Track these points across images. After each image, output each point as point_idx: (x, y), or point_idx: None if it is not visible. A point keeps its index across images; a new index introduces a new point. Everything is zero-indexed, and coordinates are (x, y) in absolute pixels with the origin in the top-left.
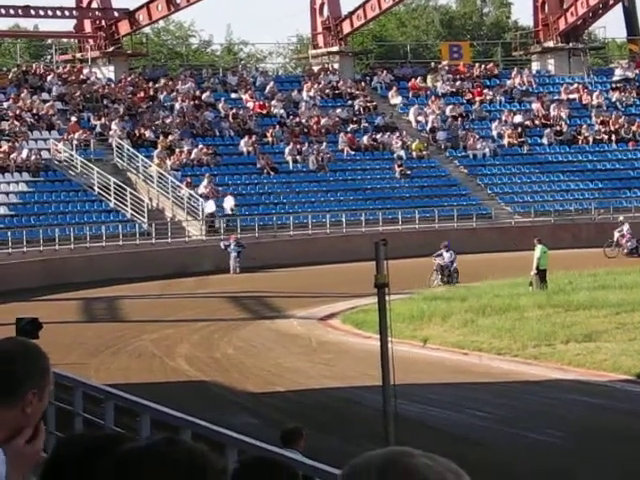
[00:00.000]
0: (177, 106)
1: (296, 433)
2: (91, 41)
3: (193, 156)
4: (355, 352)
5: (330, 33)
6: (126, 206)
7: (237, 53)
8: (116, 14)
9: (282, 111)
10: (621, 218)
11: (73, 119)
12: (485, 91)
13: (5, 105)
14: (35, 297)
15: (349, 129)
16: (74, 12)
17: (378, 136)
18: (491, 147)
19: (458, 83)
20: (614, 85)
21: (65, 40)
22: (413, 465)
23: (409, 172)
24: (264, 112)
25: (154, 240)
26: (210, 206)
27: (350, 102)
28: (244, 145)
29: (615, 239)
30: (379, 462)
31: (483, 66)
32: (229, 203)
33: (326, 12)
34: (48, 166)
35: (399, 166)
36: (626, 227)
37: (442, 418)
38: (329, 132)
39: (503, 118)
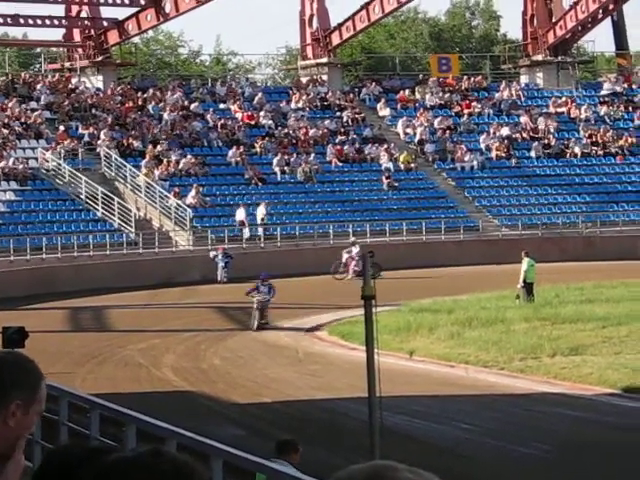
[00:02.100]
0: (165, 116)
1: (290, 445)
2: (80, 50)
3: (181, 166)
4: (341, 363)
5: (319, 44)
6: (114, 216)
7: (226, 64)
8: (105, 24)
9: (270, 122)
10: (352, 239)
11: (61, 128)
12: (473, 104)
13: None
14: (22, 306)
15: (337, 140)
16: (63, 21)
17: (366, 148)
18: (479, 160)
19: (447, 95)
20: (602, 99)
21: (54, 49)
22: (398, 479)
23: (397, 184)
24: (252, 123)
25: (141, 250)
26: (240, 214)
27: (338, 113)
28: (232, 155)
29: (344, 260)
30: (363, 476)
31: (472, 79)
32: (261, 211)
33: (315, 24)
34: (36, 175)
35: (387, 178)
36: (356, 249)
37: (428, 430)
38: (317, 143)
39: (491, 131)
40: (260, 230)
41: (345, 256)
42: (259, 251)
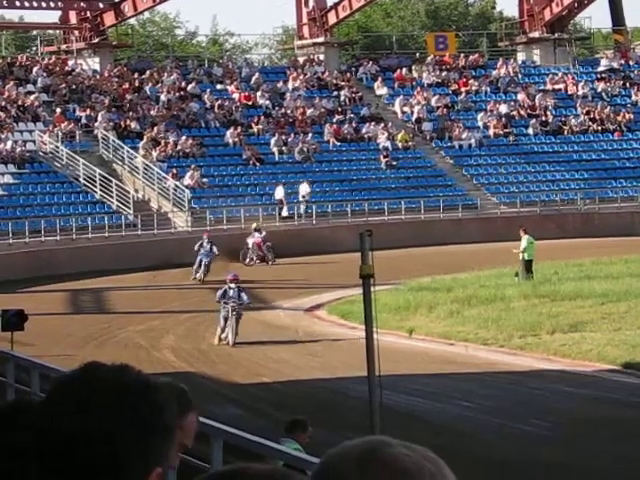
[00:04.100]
0: (163, 97)
1: (297, 424)
2: (76, 32)
3: (179, 147)
4: (341, 343)
5: (315, 24)
6: (112, 197)
7: (223, 44)
8: (101, 5)
9: (268, 102)
10: (254, 225)
11: (58, 111)
12: (471, 82)
13: None
14: (21, 289)
15: (335, 120)
16: (59, 3)
17: (364, 127)
18: (477, 137)
19: (444, 74)
20: (599, 75)
21: (50, 31)
22: (392, 454)
23: (395, 163)
24: (250, 103)
25: (140, 231)
26: (279, 192)
27: (336, 93)
28: (230, 136)
29: (250, 246)
30: (357, 452)
31: (469, 57)
32: (304, 189)
33: (311, 3)
34: (34, 158)
35: (385, 157)
36: (260, 235)
37: (428, 409)
38: (315, 123)
39: (489, 108)
40: (302, 208)
41: (250, 242)
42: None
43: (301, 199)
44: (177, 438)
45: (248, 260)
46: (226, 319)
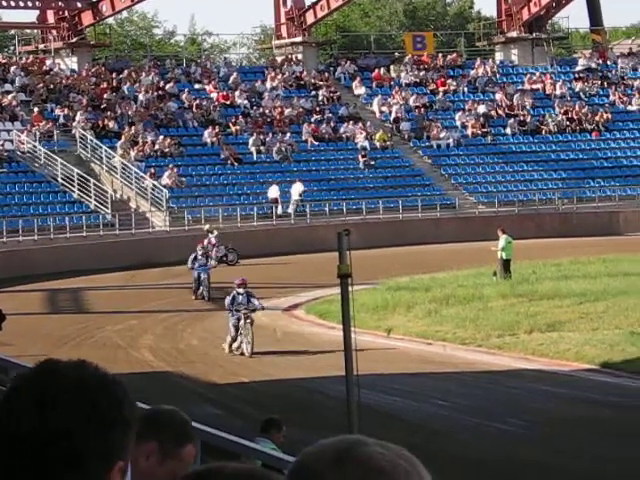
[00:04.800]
0: (140, 97)
1: (272, 423)
2: (54, 32)
3: (157, 147)
4: (319, 342)
5: (294, 23)
6: (90, 197)
7: (201, 44)
8: (79, 5)
9: (246, 102)
10: (207, 227)
11: (36, 110)
12: (449, 81)
13: None
14: None
15: (313, 119)
16: (37, 3)
17: (342, 126)
18: (455, 137)
19: (422, 73)
20: (577, 75)
21: (28, 31)
22: (367, 453)
23: (373, 162)
24: (228, 103)
25: (118, 231)
26: (273, 191)
27: (314, 92)
28: (208, 136)
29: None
30: (333, 450)
31: (447, 56)
32: (297, 189)
33: (289, 3)
34: (11, 157)
35: (363, 156)
36: (212, 235)
37: (406, 408)
38: (293, 122)
39: (467, 108)
40: (292, 208)
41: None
42: (235, 231)
43: (297, 198)
44: (172, 468)
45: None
46: (237, 328)
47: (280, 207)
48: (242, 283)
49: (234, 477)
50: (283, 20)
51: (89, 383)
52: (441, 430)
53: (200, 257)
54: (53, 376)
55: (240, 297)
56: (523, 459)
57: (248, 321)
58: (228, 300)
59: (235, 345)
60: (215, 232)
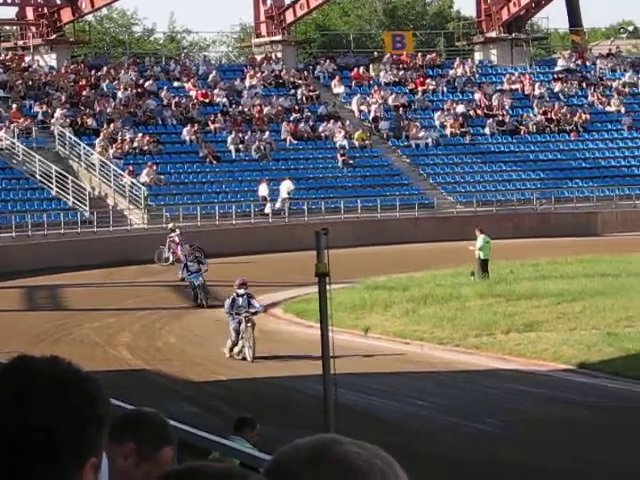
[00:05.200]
0: (119, 94)
1: (245, 422)
2: (33, 29)
3: (135, 144)
4: (297, 341)
5: (273, 22)
6: (68, 194)
7: (180, 41)
8: (59, 1)
9: (225, 100)
10: (170, 225)
11: (15, 107)
12: (428, 81)
13: None
14: None
15: (292, 118)
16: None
17: (321, 125)
18: (434, 137)
19: (401, 73)
20: (556, 75)
21: (7, 27)
22: (343, 452)
23: (351, 161)
24: (207, 101)
25: (96, 228)
26: (263, 189)
27: (293, 91)
28: (186, 134)
29: (167, 246)
30: (308, 449)
31: (426, 56)
32: (287, 187)
33: (269, 1)
34: None
35: (342, 155)
36: (177, 233)
37: (383, 407)
38: (272, 121)
39: (446, 108)
40: (278, 205)
41: (167, 241)
42: (214, 229)
43: (286, 196)
44: (149, 470)
45: (163, 260)
46: (237, 332)
47: (269, 205)
48: (243, 283)
49: (214, 476)
50: (263, 18)
51: (62, 379)
52: (420, 430)
53: (190, 263)
54: (28, 372)
55: (240, 300)
56: (504, 460)
57: (249, 325)
58: (227, 303)
59: (236, 350)
60: (177, 230)
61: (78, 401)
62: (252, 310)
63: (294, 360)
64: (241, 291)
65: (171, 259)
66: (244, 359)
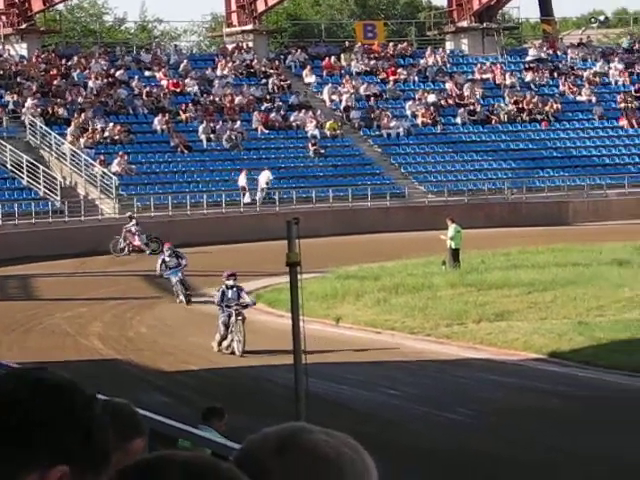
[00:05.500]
0: (90, 84)
1: (213, 412)
2: (4, 18)
3: (106, 134)
4: (268, 331)
5: (244, 11)
6: (39, 184)
7: (151, 31)
8: None
9: (196, 89)
10: (128, 213)
11: None
12: (399, 70)
13: None
14: None
15: (263, 107)
16: None
17: (292, 115)
18: (405, 126)
19: (372, 62)
20: (527, 65)
21: None
22: (312, 441)
23: (323, 151)
24: (178, 90)
25: (67, 218)
26: (242, 179)
27: (264, 81)
28: (158, 123)
29: (123, 237)
30: (277, 438)
31: (397, 45)
32: (265, 177)
33: None
34: None
35: (313, 145)
36: (132, 223)
37: (354, 397)
38: (243, 110)
39: (417, 97)
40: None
41: (123, 231)
42: (185, 219)
43: (264, 186)
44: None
45: (119, 250)
46: (226, 325)
47: (248, 195)
48: (231, 274)
49: (184, 465)
50: (234, 8)
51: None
52: (392, 419)
53: (168, 258)
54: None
55: (230, 292)
56: (475, 449)
57: (240, 318)
58: (217, 296)
59: (225, 343)
60: (133, 220)
61: (58, 405)
62: (242, 303)
63: (266, 349)
64: (230, 282)
65: (126, 250)
66: (232, 353)
